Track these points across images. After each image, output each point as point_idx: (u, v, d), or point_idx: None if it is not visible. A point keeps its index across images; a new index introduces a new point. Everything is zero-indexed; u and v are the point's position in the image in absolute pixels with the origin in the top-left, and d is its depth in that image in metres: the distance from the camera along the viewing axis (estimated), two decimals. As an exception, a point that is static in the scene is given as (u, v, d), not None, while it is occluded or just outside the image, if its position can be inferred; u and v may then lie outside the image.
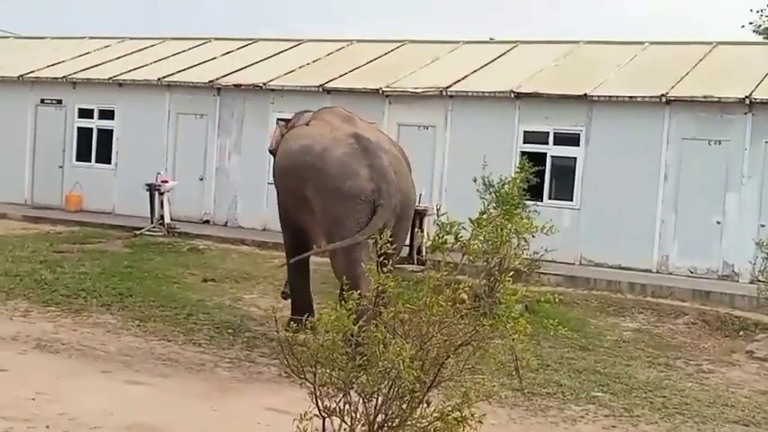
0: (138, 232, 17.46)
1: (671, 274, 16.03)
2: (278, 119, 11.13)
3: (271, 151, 10.69)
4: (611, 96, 16.95)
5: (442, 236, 5.33)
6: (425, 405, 4.81)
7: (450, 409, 4.74)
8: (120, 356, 8.59)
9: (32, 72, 22.66)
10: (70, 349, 8.74)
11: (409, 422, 4.77)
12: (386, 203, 9.00)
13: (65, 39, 26.21)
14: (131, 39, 25.41)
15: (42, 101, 22.31)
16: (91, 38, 25.87)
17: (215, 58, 22.57)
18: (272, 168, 10.55)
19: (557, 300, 5.56)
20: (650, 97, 16.65)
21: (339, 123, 9.92)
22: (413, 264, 14.82)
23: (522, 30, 41.09)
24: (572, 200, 17.11)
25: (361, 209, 9.01)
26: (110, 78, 21.56)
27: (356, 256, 8.75)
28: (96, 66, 22.72)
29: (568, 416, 7.65)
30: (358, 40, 23.04)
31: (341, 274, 8.84)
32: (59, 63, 23.23)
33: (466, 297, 4.86)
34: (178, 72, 21.36)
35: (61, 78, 22.04)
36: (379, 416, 4.79)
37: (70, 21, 51.76)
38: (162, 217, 18.08)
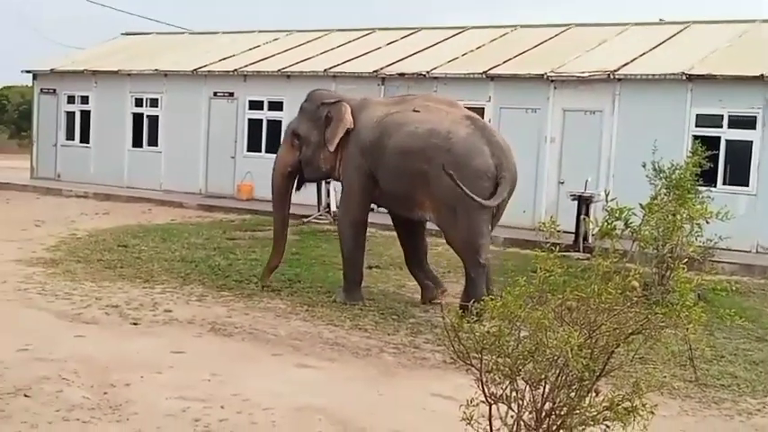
0: (305, 220, 17.88)
1: None
2: (323, 102, 11.19)
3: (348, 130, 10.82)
4: (790, 77, 16.10)
5: (612, 222, 5.19)
6: (594, 394, 4.70)
7: (619, 398, 4.61)
8: (290, 340, 8.81)
9: (206, 66, 23.53)
10: (243, 332, 9.03)
11: (577, 411, 4.67)
12: (507, 176, 9.97)
13: (236, 33, 27.14)
14: (299, 31, 26.03)
15: (215, 94, 23.14)
16: (260, 31, 26.66)
17: (379, 48, 22.83)
18: (357, 145, 10.72)
19: (732, 289, 5.32)
20: (834, 76, 15.72)
21: (448, 108, 10.71)
22: (578, 251, 14.55)
23: (694, 10, 39.42)
24: (748, 185, 16.37)
25: (486, 186, 9.86)
26: (278, 70, 22.14)
27: (480, 230, 9.97)
28: (265, 59, 23.39)
29: (744, 408, 7.32)
30: (522, 26, 22.80)
31: (462, 242, 10.11)
32: (231, 57, 24.04)
33: (637, 284, 4.71)
34: (343, 63, 21.71)
35: (232, 72, 22.80)
36: (547, 404, 4.71)
37: (241, 15, 53.47)
38: (328, 205, 18.47)
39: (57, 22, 50.04)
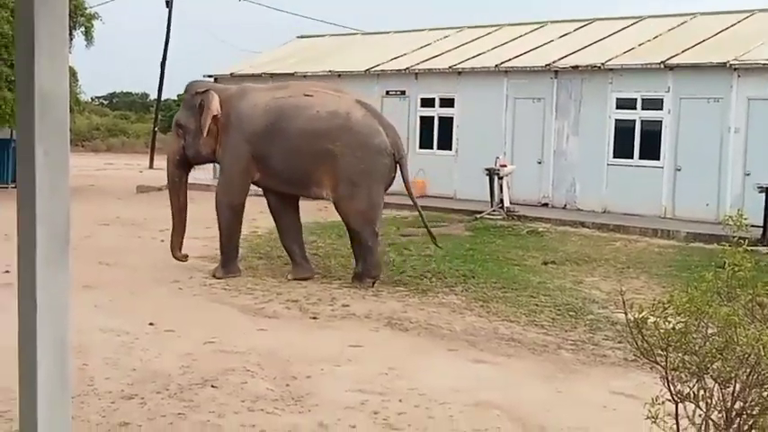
0: (478, 216, 17.84)
1: None
2: (197, 91, 12.00)
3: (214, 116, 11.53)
4: None
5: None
6: (788, 394, 4.46)
7: (817, 400, 4.36)
8: (465, 335, 8.80)
9: (378, 66, 23.84)
10: (418, 327, 9.09)
11: (771, 411, 4.45)
12: (404, 155, 11.47)
13: (407, 32, 27.33)
14: (469, 27, 25.98)
15: (387, 92, 23.39)
16: (431, 29, 26.77)
17: (551, 41, 22.50)
18: (240, 132, 11.45)
19: None
20: None
21: (334, 93, 11.77)
22: (765, 245, 13.89)
23: None
24: None
25: (385, 162, 11.15)
26: (449, 67, 22.17)
27: (378, 202, 11.26)
28: (436, 56, 23.46)
29: None
30: (702, 13, 21.95)
31: (360, 214, 11.16)
32: (402, 56, 24.26)
33: (835, 279, 4.44)
34: (515, 57, 21.51)
35: (404, 70, 23.00)
36: (737, 403, 4.50)
37: (413, 14, 54.00)
38: (501, 200, 18.34)
39: (236, 28, 52.06)
